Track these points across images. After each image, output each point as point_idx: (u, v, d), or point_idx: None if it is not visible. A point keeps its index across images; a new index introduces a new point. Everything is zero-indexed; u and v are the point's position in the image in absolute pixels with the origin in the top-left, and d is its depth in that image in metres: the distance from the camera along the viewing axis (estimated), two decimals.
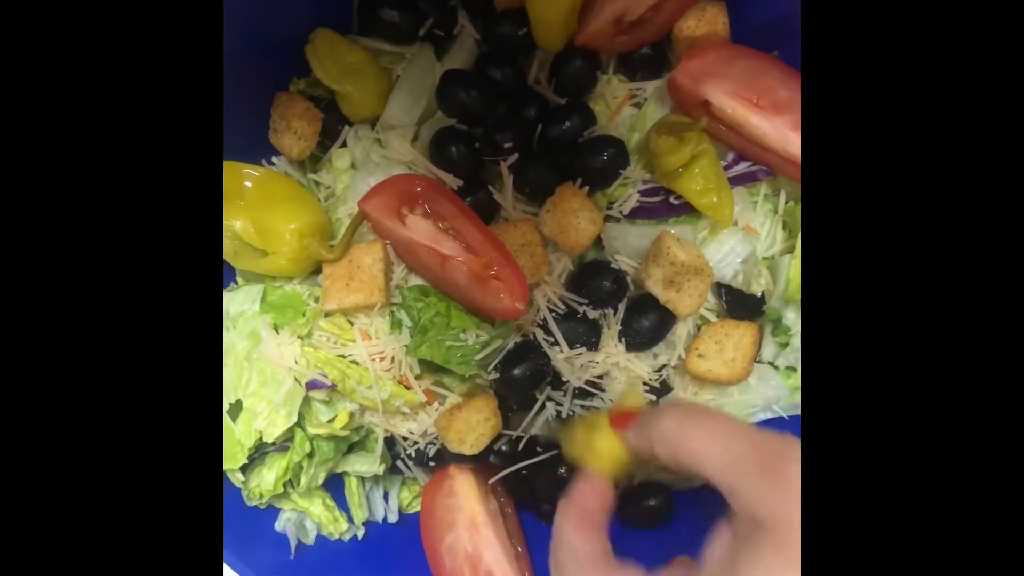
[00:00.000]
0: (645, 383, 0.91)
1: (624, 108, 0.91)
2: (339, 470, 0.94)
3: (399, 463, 0.95)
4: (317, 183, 0.95)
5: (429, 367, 0.87)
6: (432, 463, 0.94)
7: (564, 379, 0.88)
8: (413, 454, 0.93)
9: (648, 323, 0.86)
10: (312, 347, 0.86)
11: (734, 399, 0.91)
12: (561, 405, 0.89)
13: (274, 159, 0.96)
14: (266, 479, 0.88)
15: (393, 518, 1.00)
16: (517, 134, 0.87)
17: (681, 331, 0.90)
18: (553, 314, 0.86)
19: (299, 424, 0.87)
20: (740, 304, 0.89)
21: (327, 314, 0.86)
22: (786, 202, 0.89)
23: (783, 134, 0.84)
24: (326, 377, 0.84)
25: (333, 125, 0.92)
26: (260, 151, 0.94)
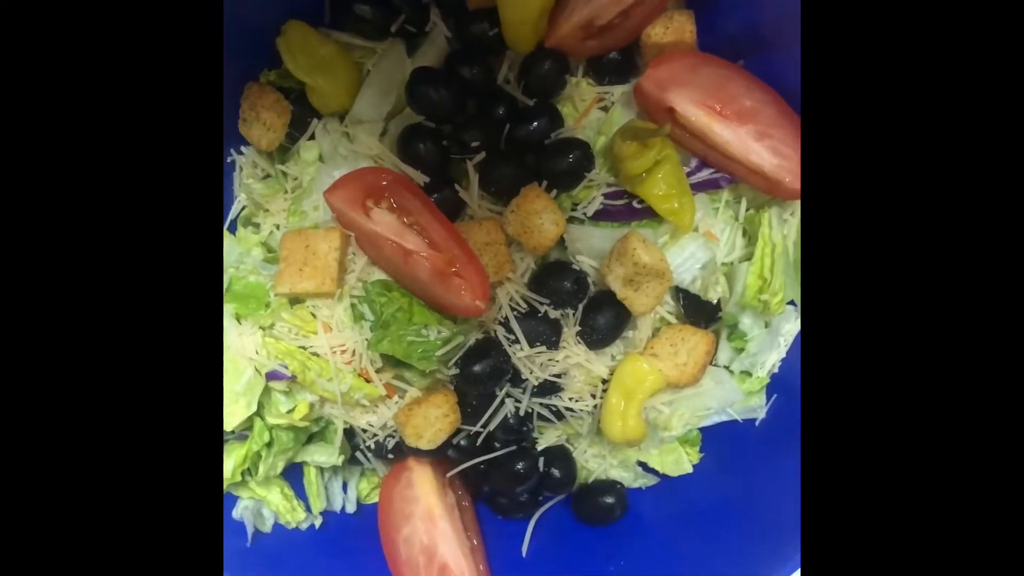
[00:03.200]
0: (603, 381, 0.92)
1: (591, 111, 0.92)
2: (298, 460, 0.95)
3: (358, 454, 0.96)
4: (284, 174, 0.95)
5: (390, 361, 0.88)
6: (391, 455, 0.95)
7: (523, 377, 0.89)
8: (372, 446, 0.94)
9: (603, 320, 0.87)
10: (274, 338, 0.86)
11: (689, 401, 0.93)
12: (520, 402, 0.90)
13: (243, 148, 0.96)
14: (224, 467, 0.88)
15: (351, 508, 1.01)
16: (485, 133, 0.88)
17: (641, 332, 0.92)
18: (515, 312, 0.87)
19: (258, 414, 0.87)
20: (696, 309, 0.90)
21: (277, 295, 0.86)
22: (747, 210, 0.91)
23: (745, 143, 0.85)
24: (286, 368, 0.85)
25: (302, 117, 0.93)
26: (229, 141, 0.95)
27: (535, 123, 0.89)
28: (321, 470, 0.97)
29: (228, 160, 0.96)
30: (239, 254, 0.91)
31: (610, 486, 0.99)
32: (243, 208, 0.97)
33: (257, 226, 0.96)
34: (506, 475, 0.95)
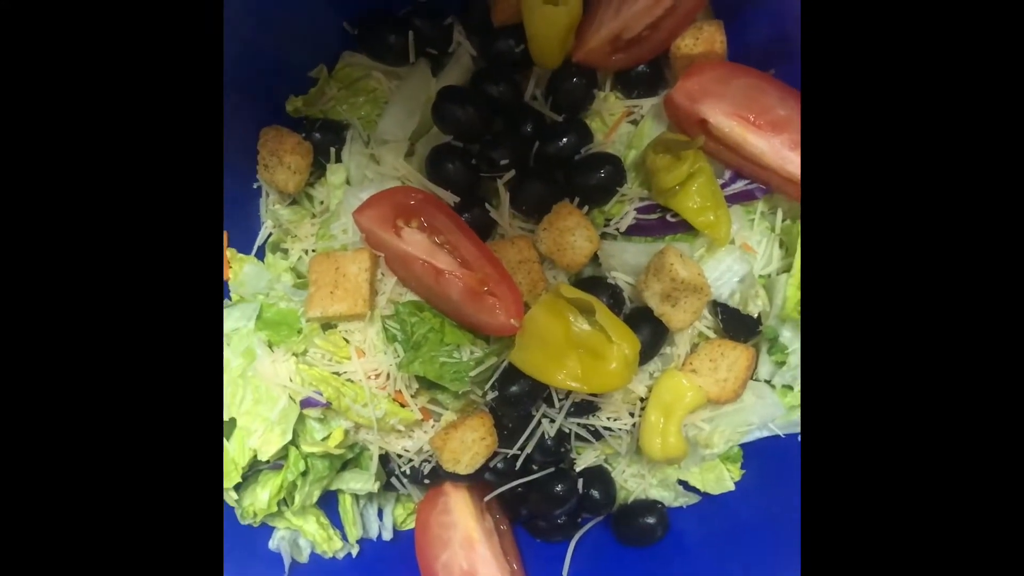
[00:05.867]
0: (641, 399, 0.90)
1: (621, 125, 0.91)
2: (333, 487, 0.93)
3: (394, 480, 0.95)
4: (311, 198, 0.94)
5: (424, 385, 0.87)
6: (427, 480, 0.94)
7: (560, 396, 0.88)
8: (408, 471, 0.93)
9: (641, 337, 0.85)
10: (307, 365, 0.85)
11: (730, 417, 0.91)
12: (554, 421, 0.89)
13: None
14: (260, 498, 0.87)
15: (388, 535, 0.99)
16: (514, 151, 0.87)
17: (679, 348, 0.90)
18: None
19: (293, 442, 0.86)
20: (736, 323, 0.88)
21: (309, 320, 0.85)
22: (783, 220, 0.89)
23: (780, 153, 0.84)
24: (321, 395, 0.84)
25: (325, 145, 0.92)
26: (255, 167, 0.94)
27: (564, 139, 0.88)
28: (356, 497, 0.96)
29: (255, 186, 0.95)
30: (268, 281, 0.91)
31: (651, 506, 0.97)
32: (270, 234, 0.96)
33: (285, 252, 0.95)
34: (544, 497, 0.93)
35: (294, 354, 0.86)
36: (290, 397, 0.84)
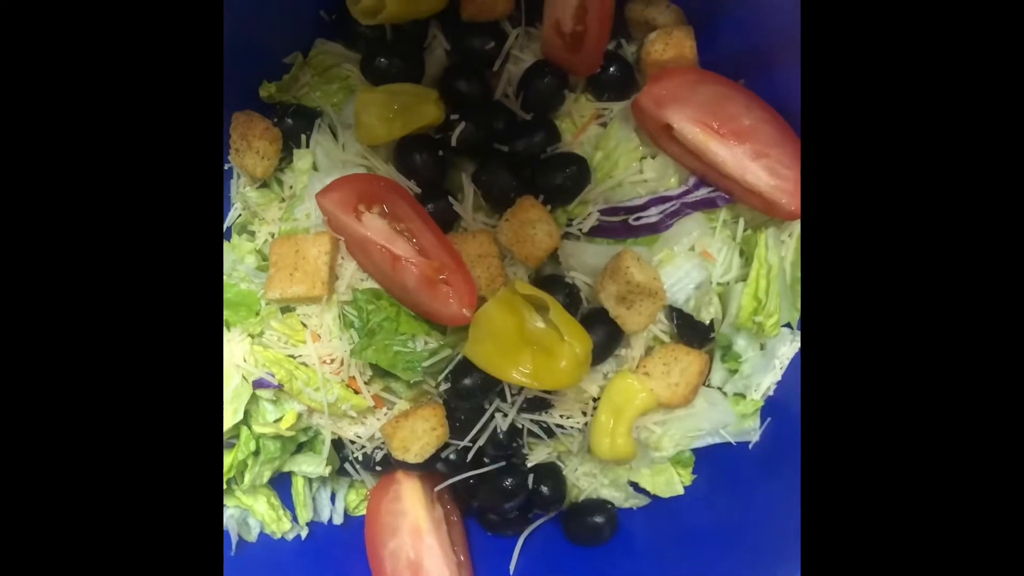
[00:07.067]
0: (594, 399, 0.91)
1: (590, 127, 0.92)
2: (286, 469, 0.94)
3: (347, 466, 0.96)
4: (280, 182, 0.95)
5: (378, 372, 0.87)
6: (379, 467, 0.94)
7: (513, 392, 0.88)
8: (360, 457, 0.94)
9: (595, 337, 0.85)
10: (262, 346, 0.86)
11: (681, 421, 0.92)
12: (507, 416, 0.89)
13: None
14: None
15: (339, 520, 1.00)
16: (482, 146, 0.88)
17: (634, 351, 0.90)
18: None
19: (245, 422, 0.87)
20: (689, 329, 0.89)
21: (268, 301, 0.86)
22: (744, 230, 0.90)
23: (742, 162, 0.84)
24: (273, 377, 0.85)
25: (296, 131, 0.93)
26: (226, 148, 0.95)
27: (531, 137, 0.88)
28: (309, 480, 0.96)
29: (225, 167, 0.96)
30: (232, 261, 0.91)
31: (600, 506, 0.97)
32: (239, 215, 0.97)
33: (252, 234, 0.96)
34: (494, 491, 0.94)
35: (250, 335, 0.87)
36: (243, 377, 0.85)
